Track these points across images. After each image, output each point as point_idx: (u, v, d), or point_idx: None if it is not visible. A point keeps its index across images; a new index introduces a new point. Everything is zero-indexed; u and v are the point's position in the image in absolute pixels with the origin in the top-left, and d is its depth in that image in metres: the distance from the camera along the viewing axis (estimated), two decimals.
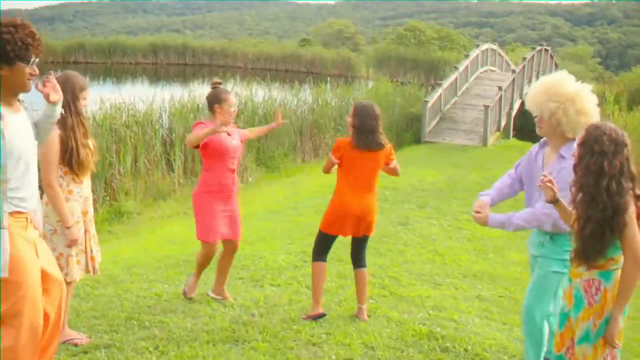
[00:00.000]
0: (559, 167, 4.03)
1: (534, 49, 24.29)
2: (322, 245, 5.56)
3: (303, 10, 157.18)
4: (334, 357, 4.69)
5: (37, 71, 3.44)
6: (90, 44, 54.00)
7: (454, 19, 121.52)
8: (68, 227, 4.36)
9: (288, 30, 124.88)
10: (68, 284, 4.43)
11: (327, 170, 5.44)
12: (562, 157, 4.07)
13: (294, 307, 5.61)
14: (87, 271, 4.63)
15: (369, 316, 5.49)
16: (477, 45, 24.67)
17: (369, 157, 5.25)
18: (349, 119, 5.31)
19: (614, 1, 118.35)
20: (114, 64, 51.70)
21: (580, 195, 3.54)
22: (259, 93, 20.29)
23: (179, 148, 14.57)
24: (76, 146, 4.36)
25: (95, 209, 12.43)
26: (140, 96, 16.62)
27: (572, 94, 4.07)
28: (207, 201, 5.37)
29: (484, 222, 4.24)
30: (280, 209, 11.15)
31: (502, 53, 28.20)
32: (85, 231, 4.57)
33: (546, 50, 25.72)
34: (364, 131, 5.18)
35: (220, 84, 5.49)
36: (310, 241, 8.11)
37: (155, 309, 5.39)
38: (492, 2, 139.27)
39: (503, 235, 9.32)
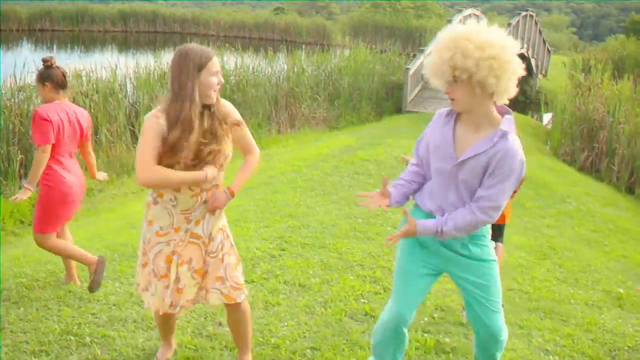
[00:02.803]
0: (496, 149, 2.98)
1: (519, 14, 23.25)
2: None
3: None
4: None
5: None
6: (56, 10, 51.81)
7: None
8: None
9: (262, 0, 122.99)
10: None
11: None
12: (505, 133, 2.97)
13: (271, 312, 4.66)
14: None
15: (360, 320, 4.58)
16: (460, 11, 23.60)
17: None
18: None
19: None
20: (82, 32, 49.79)
21: None
22: (231, 61, 19.15)
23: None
24: None
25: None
26: (102, 63, 15.43)
27: None
28: None
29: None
30: (254, 185, 10.15)
31: (485, 19, 27.16)
32: None
33: (531, 16, 24.72)
34: None
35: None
36: (288, 223, 7.20)
37: (100, 317, 4.39)
38: None
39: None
